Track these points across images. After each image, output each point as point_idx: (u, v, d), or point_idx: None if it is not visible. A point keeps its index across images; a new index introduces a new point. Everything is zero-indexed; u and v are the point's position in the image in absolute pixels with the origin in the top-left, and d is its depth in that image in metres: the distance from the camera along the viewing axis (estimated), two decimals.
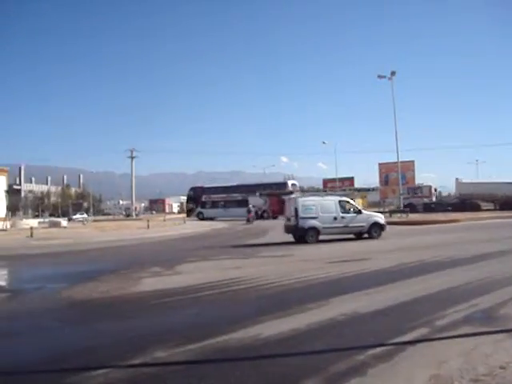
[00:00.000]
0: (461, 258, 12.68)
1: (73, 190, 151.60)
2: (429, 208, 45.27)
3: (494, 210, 43.66)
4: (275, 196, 48.89)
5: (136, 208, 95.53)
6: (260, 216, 47.09)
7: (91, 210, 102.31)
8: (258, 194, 51.51)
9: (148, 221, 37.26)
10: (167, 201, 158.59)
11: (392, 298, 7.53)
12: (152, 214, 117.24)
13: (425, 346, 5.10)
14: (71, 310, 7.95)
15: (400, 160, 44.63)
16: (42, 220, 54.78)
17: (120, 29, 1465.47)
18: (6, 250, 20.01)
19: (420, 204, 46.46)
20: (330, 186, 70.87)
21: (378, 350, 4.95)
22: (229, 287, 9.38)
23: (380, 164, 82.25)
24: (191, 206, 59.45)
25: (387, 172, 77.21)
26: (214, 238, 26.71)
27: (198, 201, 57.43)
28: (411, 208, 44.19)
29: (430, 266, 11.23)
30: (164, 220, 51.76)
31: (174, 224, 40.70)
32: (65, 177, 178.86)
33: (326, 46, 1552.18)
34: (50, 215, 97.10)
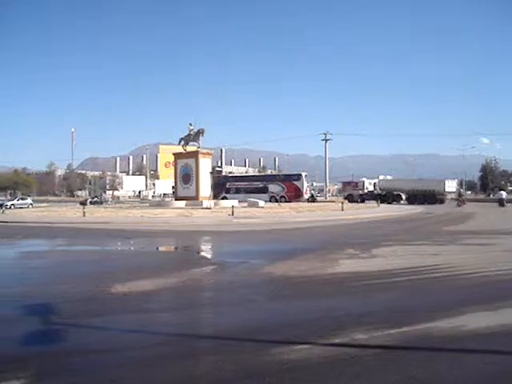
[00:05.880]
0: None
1: (269, 172, 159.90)
2: (362, 198, 59.48)
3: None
4: (292, 184, 59.98)
5: (329, 190, 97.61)
6: (277, 200, 56.21)
7: None
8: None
9: (342, 203, 37.60)
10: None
11: None
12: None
13: None
14: (272, 285, 8.29)
15: None
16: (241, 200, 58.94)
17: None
18: (211, 226, 22.03)
19: (356, 195, 60.69)
20: None
21: None
22: (426, 274, 9.04)
23: None
24: (216, 191, 68.51)
25: None
26: (411, 222, 25.76)
27: (223, 187, 66.63)
28: (350, 198, 60.95)
29: None
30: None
31: (368, 207, 40.42)
32: (261, 159, 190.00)
33: None
34: None
